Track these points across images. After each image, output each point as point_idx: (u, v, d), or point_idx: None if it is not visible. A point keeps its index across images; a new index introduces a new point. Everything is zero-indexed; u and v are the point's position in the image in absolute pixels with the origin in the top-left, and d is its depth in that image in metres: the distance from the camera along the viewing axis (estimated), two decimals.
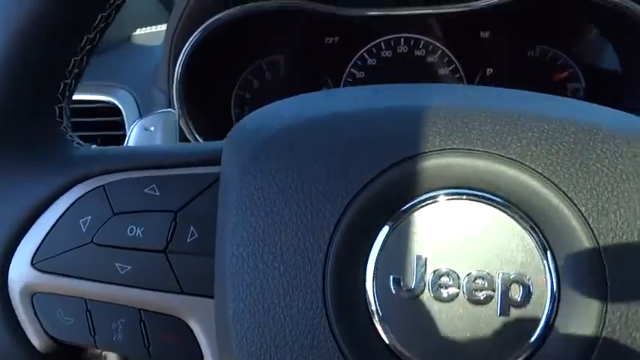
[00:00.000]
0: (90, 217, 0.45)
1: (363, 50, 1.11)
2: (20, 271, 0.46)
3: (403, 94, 0.47)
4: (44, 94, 0.47)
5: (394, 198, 0.41)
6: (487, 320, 0.38)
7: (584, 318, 0.37)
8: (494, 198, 0.40)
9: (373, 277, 0.39)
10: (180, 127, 0.70)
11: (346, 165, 0.41)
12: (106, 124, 1.08)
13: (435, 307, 0.39)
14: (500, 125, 0.41)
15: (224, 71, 1.12)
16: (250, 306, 0.39)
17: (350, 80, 1.12)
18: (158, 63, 1.05)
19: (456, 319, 0.39)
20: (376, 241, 0.40)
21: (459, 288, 0.39)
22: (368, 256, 0.40)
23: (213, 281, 0.42)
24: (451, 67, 1.10)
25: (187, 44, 0.94)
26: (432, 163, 0.41)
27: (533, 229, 0.39)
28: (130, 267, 0.44)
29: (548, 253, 0.39)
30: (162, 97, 1.03)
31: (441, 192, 0.41)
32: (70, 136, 0.50)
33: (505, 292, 0.38)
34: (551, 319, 0.38)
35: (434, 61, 1.10)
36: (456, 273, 0.39)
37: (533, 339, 0.38)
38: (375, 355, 0.39)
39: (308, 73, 1.13)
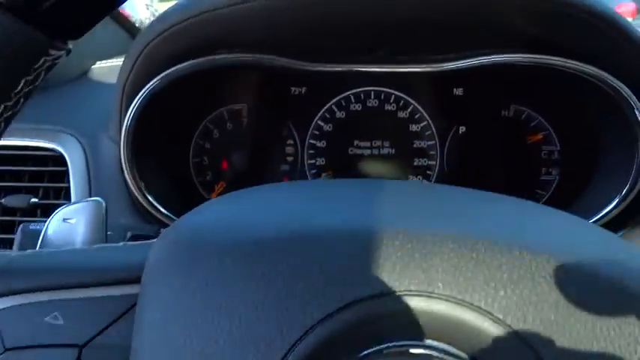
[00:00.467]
0: None
1: (331, 102, 1.06)
2: None
3: (354, 205, 0.41)
4: None
5: (343, 347, 0.34)
6: None
7: None
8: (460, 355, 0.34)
9: None
10: (106, 221, 0.62)
11: (289, 301, 0.34)
12: (51, 174, 0.99)
13: None
14: (462, 264, 0.35)
15: (181, 120, 1.04)
16: None
17: (317, 133, 1.06)
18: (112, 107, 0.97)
19: None
20: None
21: None
22: None
23: None
24: (423, 124, 1.05)
25: (139, 96, 0.86)
26: (387, 307, 0.35)
27: None
28: None
29: None
30: (113, 147, 0.95)
31: (399, 342, 0.35)
32: None
33: None
34: None
35: (405, 117, 1.05)
36: None
37: None
38: None
39: (272, 124, 1.06)
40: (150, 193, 0.90)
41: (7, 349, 0.38)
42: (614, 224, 0.89)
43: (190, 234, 0.39)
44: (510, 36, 0.83)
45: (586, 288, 0.34)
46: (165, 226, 0.93)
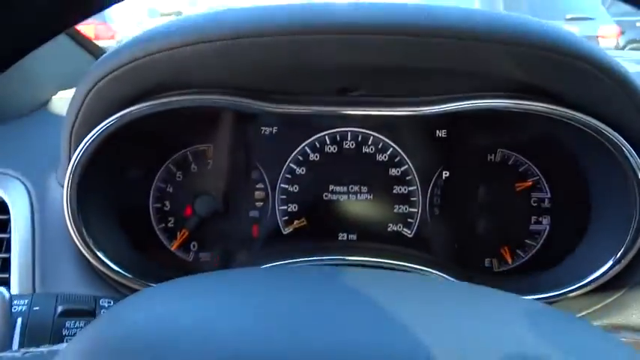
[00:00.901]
0: None
1: (304, 144, 0.98)
2: None
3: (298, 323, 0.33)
4: None
5: None
6: None
7: None
8: None
9: None
10: (11, 311, 0.53)
11: None
12: None
13: None
14: None
15: (139, 163, 0.96)
16: None
17: (289, 177, 0.98)
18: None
19: None
20: None
21: None
22: None
23: None
24: (403, 168, 0.97)
25: (87, 139, 0.78)
26: None
27: None
28: None
29: None
30: (61, 193, 0.86)
31: None
32: None
33: None
34: None
35: (384, 161, 0.97)
36: None
37: None
38: None
39: (240, 166, 0.98)
40: (99, 247, 0.81)
41: None
42: (611, 285, 0.82)
43: (94, 348, 0.32)
44: (496, 82, 0.76)
45: None
46: (120, 287, 0.84)
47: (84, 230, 0.80)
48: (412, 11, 0.71)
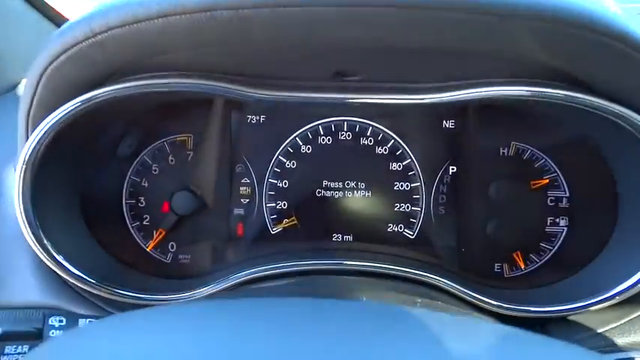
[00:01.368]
0: None
1: (296, 134, 0.87)
2: None
3: None
4: None
5: None
6: None
7: None
8: None
9: None
10: None
11: None
12: None
13: None
14: None
15: (109, 154, 0.85)
16: None
17: (278, 171, 0.88)
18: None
19: None
20: None
21: None
22: None
23: None
24: (405, 162, 0.87)
25: (41, 127, 0.67)
26: None
27: None
28: None
29: None
30: None
31: None
32: None
33: None
34: None
35: (384, 154, 0.87)
36: None
37: None
38: None
39: (223, 159, 0.87)
40: (57, 249, 0.71)
41: None
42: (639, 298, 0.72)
43: None
44: (516, 67, 0.66)
45: None
46: (90, 296, 0.75)
47: (40, 230, 0.70)
48: None
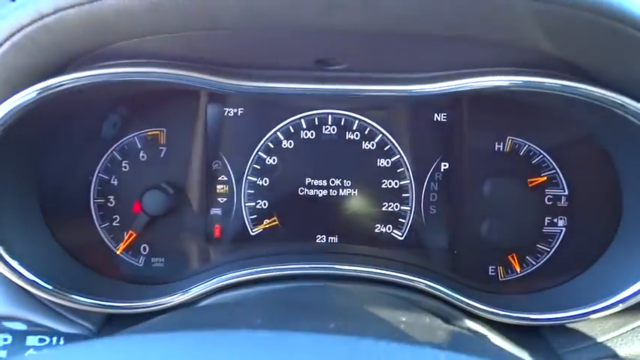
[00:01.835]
0: None
1: (276, 128, 0.81)
2: None
3: None
4: None
5: None
6: None
7: None
8: None
9: None
10: None
11: None
12: None
13: None
14: None
15: (74, 150, 0.79)
16: None
17: (258, 167, 0.82)
18: None
19: None
20: None
21: None
22: None
23: None
24: (394, 159, 0.82)
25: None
26: None
27: None
28: None
29: None
30: None
31: None
32: None
33: None
34: None
35: (371, 149, 0.82)
36: None
37: None
38: None
39: (199, 155, 0.81)
40: (12, 253, 0.65)
41: None
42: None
43: None
44: (514, 55, 0.60)
45: None
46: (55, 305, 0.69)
47: None
48: None
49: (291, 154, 0.82)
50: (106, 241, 0.83)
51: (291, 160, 0.82)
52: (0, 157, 0.64)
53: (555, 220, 0.82)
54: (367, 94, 0.72)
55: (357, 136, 0.82)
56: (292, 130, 0.82)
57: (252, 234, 0.84)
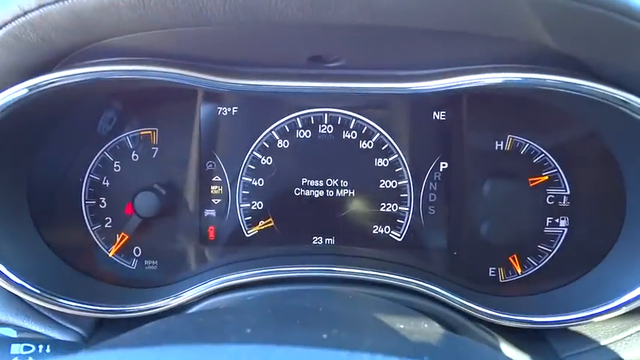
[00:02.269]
0: None
1: (271, 128, 0.80)
2: None
3: None
4: None
5: None
6: None
7: None
8: None
9: None
10: None
11: None
12: None
13: None
14: None
15: (65, 149, 0.77)
16: None
17: (252, 168, 0.80)
18: None
19: None
20: None
21: None
22: None
23: None
24: (392, 158, 0.80)
25: None
26: None
27: None
28: None
29: None
30: None
31: None
32: None
33: None
34: None
35: (369, 149, 0.80)
36: None
37: None
38: None
39: (192, 155, 0.80)
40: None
41: None
42: None
43: None
44: (514, 51, 0.58)
45: None
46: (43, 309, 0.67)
47: None
48: None
49: (286, 154, 0.80)
50: (98, 243, 0.81)
51: (287, 160, 0.81)
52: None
53: (557, 220, 0.80)
54: (364, 92, 0.71)
55: (354, 135, 0.80)
56: (288, 130, 0.80)
57: (248, 236, 0.82)
